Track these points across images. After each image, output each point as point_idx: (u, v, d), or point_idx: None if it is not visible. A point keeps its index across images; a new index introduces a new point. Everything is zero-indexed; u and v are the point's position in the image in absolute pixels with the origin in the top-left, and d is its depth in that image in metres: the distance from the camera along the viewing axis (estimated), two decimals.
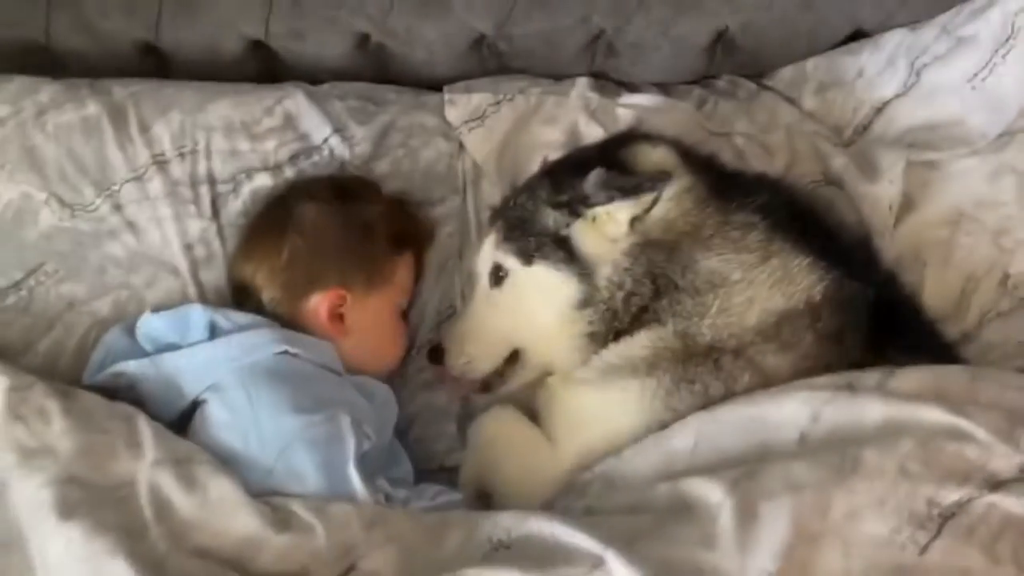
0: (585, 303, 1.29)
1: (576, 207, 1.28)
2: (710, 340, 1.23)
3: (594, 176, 1.27)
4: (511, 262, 1.33)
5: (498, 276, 1.35)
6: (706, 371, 1.22)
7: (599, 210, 1.27)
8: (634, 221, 1.27)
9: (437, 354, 1.39)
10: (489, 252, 1.37)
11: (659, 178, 1.25)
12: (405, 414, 1.41)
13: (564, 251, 1.29)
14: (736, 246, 1.26)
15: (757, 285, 1.24)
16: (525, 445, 1.35)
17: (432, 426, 1.44)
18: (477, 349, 1.37)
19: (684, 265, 1.25)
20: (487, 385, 1.40)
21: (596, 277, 1.28)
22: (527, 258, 1.31)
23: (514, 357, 1.38)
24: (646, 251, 1.27)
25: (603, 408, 1.26)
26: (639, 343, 1.26)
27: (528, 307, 1.33)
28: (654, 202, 1.27)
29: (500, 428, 1.39)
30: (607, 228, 1.28)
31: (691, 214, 1.28)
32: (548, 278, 1.30)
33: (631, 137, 1.39)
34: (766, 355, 1.21)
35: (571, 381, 1.31)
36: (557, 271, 1.29)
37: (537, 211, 1.32)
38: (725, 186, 1.32)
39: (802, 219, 1.30)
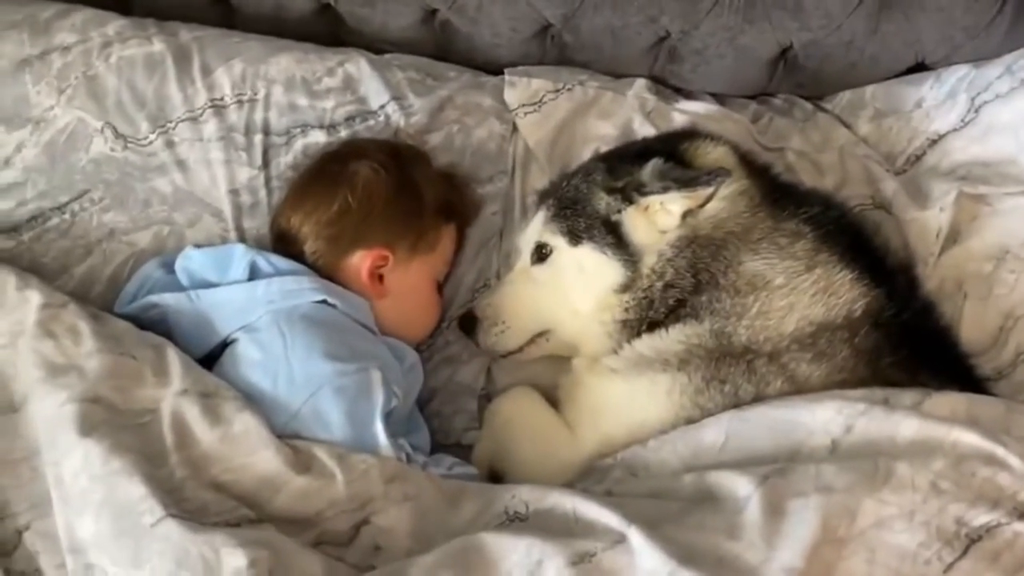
0: (624, 288, 1.29)
1: (630, 194, 1.29)
2: (745, 341, 1.22)
3: (652, 165, 1.28)
4: (558, 241, 1.34)
5: (541, 253, 1.36)
6: (738, 372, 1.21)
7: (653, 199, 1.28)
8: (686, 214, 1.28)
9: (468, 322, 1.40)
10: (536, 229, 1.37)
11: (717, 174, 1.26)
12: (427, 387, 1.40)
13: (612, 236, 1.29)
14: (782, 252, 1.26)
15: (799, 292, 1.23)
16: (543, 429, 1.34)
17: (453, 402, 1.44)
18: (509, 323, 1.37)
19: (728, 264, 1.26)
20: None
21: (640, 265, 1.28)
22: (575, 238, 1.32)
23: (541, 337, 1.39)
24: (692, 245, 1.27)
25: (630, 399, 1.26)
26: (673, 337, 1.25)
27: (567, 286, 1.33)
28: (709, 198, 1.27)
29: (518, 410, 1.38)
30: (658, 218, 1.29)
31: (742, 216, 1.29)
32: (592, 260, 1.30)
33: (693, 133, 1.40)
34: (800, 363, 1.21)
35: (599, 369, 1.30)
36: (603, 254, 1.29)
37: (591, 194, 1.32)
38: (779, 194, 1.33)
39: (850, 236, 1.31)
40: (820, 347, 1.21)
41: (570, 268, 1.33)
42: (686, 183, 1.26)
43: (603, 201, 1.31)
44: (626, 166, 1.31)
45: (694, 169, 1.30)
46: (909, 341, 1.24)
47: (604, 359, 1.30)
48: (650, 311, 1.28)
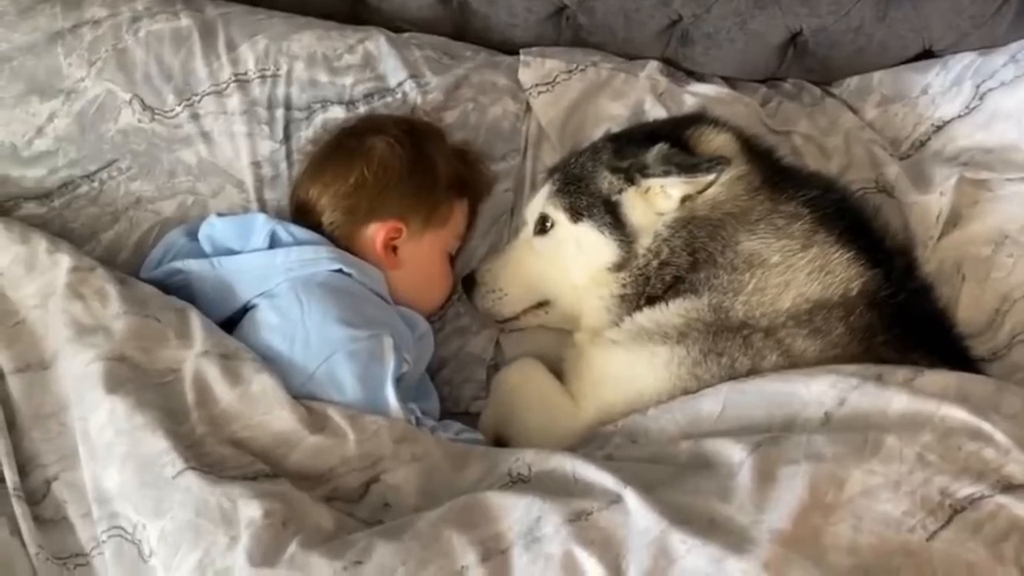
0: (619, 267, 1.33)
1: (633, 175, 1.32)
2: (743, 316, 1.26)
3: (657, 149, 1.32)
4: (559, 215, 1.38)
5: (544, 225, 1.40)
6: (735, 346, 1.25)
7: (654, 182, 1.31)
8: (685, 199, 1.31)
9: (469, 283, 1.45)
10: (540, 201, 1.42)
11: (718, 162, 1.29)
12: (438, 356, 1.45)
13: (611, 215, 1.33)
14: (779, 232, 1.29)
15: (795, 270, 1.26)
16: (547, 398, 1.39)
17: (462, 371, 1.49)
18: (508, 289, 1.42)
19: (725, 243, 1.29)
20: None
21: (635, 245, 1.32)
22: (575, 215, 1.36)
23: (540, 308, 1.44)
24: (689, 225, 1.30)
25: (630, 370, 1.30)
26: (673, 311, 1.29)
27: (565, 260, 1.38)
28: (708, 185, 1.30)
29: (523, 379, 1.43)
30: (657, 201, 1.32)
31: (740, 199, 1.32)
32: (590, 238, 1.34)
33: (698, 119, 1.43)
34: (796, 338, 1.24)
35: (601, 341, 1.34)
36: (600, 233, 1.33)
37: (595, 172, 1.36)
38: (780, 178, 1.36)
39: (849, 218, 1.33)
40: (815, 324, 1.24)
41: (569, 243, 1.37)
42: (687, 169, 1.29)
43: (606, 180, 1.35)
44: (633, 148, 1.35)
45: (696, 155, 1.33)
46: (903, 321, 1.26)
47: (606, 331, 1.34)
48: (647, 287, 1.32)
